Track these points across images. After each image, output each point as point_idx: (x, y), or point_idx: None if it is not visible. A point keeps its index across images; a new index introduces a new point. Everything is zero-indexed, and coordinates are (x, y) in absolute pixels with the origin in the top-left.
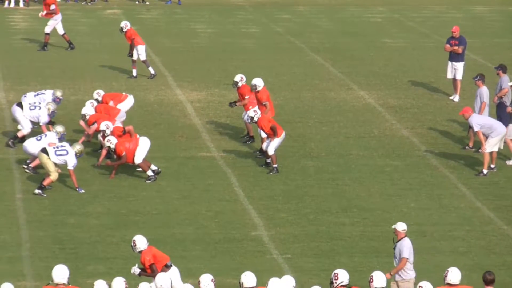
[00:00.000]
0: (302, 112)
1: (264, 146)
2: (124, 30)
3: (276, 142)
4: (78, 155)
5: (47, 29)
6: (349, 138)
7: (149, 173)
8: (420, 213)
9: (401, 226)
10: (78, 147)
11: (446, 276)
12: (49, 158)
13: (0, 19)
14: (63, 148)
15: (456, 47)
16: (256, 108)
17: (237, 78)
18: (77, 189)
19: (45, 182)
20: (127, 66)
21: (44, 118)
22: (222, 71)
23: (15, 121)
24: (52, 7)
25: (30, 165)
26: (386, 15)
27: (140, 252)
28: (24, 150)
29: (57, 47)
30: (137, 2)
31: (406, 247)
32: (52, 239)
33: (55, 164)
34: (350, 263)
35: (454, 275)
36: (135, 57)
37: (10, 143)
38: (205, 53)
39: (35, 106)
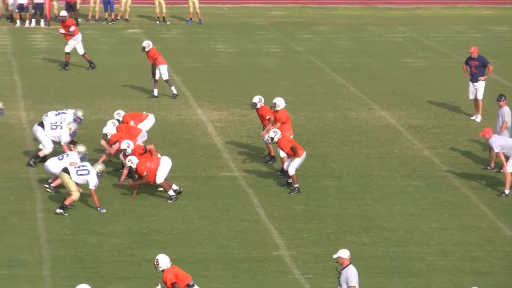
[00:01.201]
0: (323, 132)
1: (285, 166)
2: (146, 49)
3: (297, 162)
4: (100, 175)
5: (67, 49)
6: (370, 158)
7: (171, 192)
8: (441, 233)
9: (345, 253)
10: (100, 166)
11: None
12: (71, 178)
13: (21, 39)
14: (84, 167)
15: (480, 77)
16: (277, 128)
17: (256, 99)
18: (98, 208)
19: (67, 202)
20: (148, 85)
21: (65, 138)
22: (242, 91)
23: (37, 141)
24: (72, 28)
25: (51, 184)
26: (407, 35)
27: (163, 271)
28: (46, 170)
29: (78, 66)
30: (158, 22)
31: (353, 275)
32: (73, 259)
33: (77, 184)
34: (372, 283)
35: None
36: (157, 77)
37: (31, 162)
38: (225, 73)
39: (57, 125)
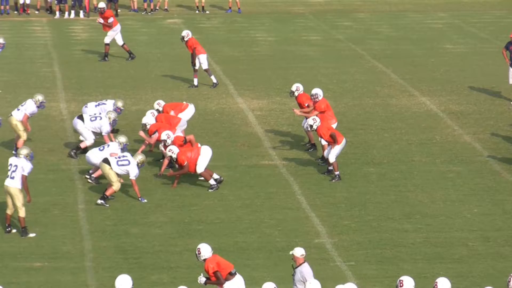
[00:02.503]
0: (364, 119)
1: (325, 153)
2: (186, 39)
3: (336, 149)
4: (140, 165)
5: (107, 40)
6: (411, 145)
7: (212, 182)
8: (483, 219)
9: (299, 252)
10: (140, 157)
11: (509, 282)
12: (111, 169)
13: (61, 30)
14: (125, 158)
15: None
16: (315, 116)
17: (294, 87)
18: (139, 199)
19: (108, 192)
20: (188, 75)
21: (106, 128)
22: (283, 79)
23: (77, 133)
24: (110, 19)
25: (92, 175)
26: (447, 21)
27: (205, 260)
28: (87, 161)
29: (118, 57)
30: (197, 11)
31: (309, 273)
32: (115, 249)
33: (117, 174)
34: (414, 269)
35: None
36: (196, 66)
37: (72, 153)
38: (265, 61)
39: (96, 116)
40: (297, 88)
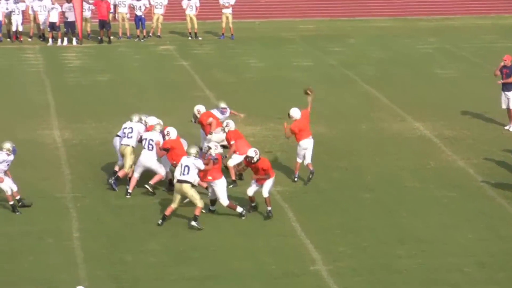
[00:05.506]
0: (357, 144)
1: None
2: None
3: (236, 158)
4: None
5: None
6: (405, 170)
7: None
8: (478, 244)
9: None
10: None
11: None
12: (192, 187)
13: (54, 57)
14: (129, 129)
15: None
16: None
17: (195, 110)
18: None
19: (196, 212)
20: (181, 102)
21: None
22: (276, 105)
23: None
24: None
25: (117, 173)
26: (437, 46)
27: None
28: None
29: (111, 84)
30: (190, 38)
31: None
32: (110, 278)
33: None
34: None
35: None
36: None
37: (112, 183)
38: (258, 87)
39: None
40: (198, 111)
